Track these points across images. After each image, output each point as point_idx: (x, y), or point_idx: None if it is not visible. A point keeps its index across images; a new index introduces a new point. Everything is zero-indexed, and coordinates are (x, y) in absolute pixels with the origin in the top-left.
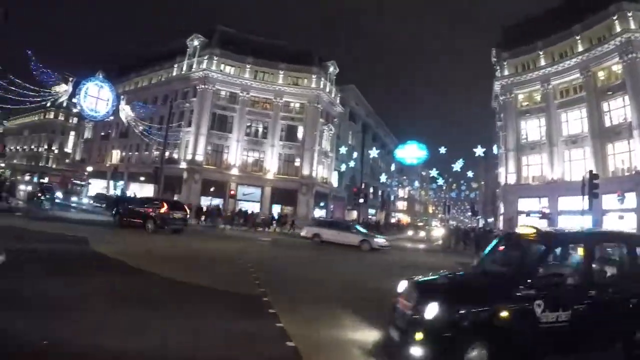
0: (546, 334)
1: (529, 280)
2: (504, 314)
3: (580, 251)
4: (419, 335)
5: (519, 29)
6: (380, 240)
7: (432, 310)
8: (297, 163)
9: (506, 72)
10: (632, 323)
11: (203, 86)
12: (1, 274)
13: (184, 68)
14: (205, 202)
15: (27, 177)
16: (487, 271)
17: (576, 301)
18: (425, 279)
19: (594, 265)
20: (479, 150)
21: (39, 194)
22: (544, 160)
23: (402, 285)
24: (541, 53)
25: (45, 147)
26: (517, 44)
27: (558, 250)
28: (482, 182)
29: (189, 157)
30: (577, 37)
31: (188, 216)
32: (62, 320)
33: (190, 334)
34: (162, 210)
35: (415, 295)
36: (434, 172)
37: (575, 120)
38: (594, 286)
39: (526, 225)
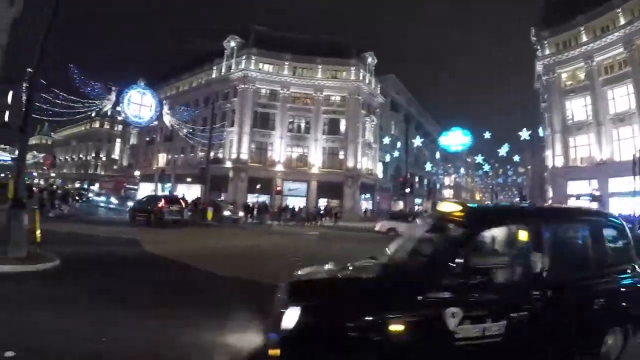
0: (467, 355)
1: (440, 280)
2: (400, 327)
3: (522, 235)
4: (273, 351)
5: (558, 5)
6: None
7: (291, 318)
8: (342, 156)
9: (547, 52)
10: (596, 334)
11: (243, 86)
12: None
13: (223, 70)
14: (252, 199)
15: (77, 185)
16: (400, 265)
17: (514, 307)
18: (310, 272)
19: (541, 255)
20: (525, 134)
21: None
22: (592, 140)
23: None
24: (582, 29)
25: (93, 155)
26: (557, 21)
27: (488, 235)
28: (529, 167)
29: (234, 156)
30: (619, 10)
31: (185, 209)
32: None
33: None
34: (160, 204)
35: (284, 296)
36: (479, 159)
37: (621, 97)
38: (541, 285)
39: (451, 201)
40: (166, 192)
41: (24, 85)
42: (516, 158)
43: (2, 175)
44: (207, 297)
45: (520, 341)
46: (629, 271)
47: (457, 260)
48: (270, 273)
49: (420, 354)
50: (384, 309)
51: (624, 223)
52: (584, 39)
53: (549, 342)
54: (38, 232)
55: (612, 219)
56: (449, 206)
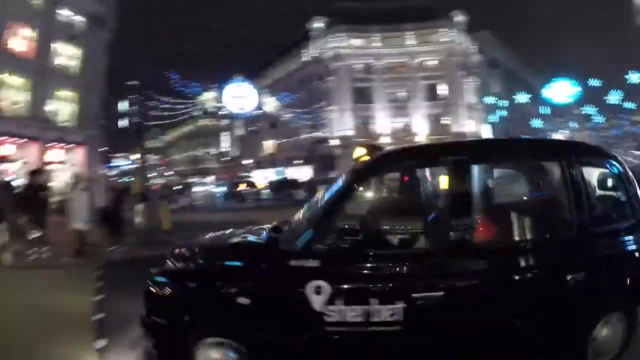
0: (341, 349)
1: (304, 242)
2: (248, 301)
3: (437, 183)
4: (142, 319)
5: None
6: None
7: (153, 285)
8: (446, 121)
9: None
10: (574, 327)
11: (337, 64)
12: None
13: (314, 51)
14: None
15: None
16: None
17: (420, 285)
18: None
19: (468, 209)
20: (635, 77)
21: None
22: None
23: None
24: None
25: (204, 150)
26: None
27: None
28: None
29: (339, 133)
30: None
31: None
32: None
33: None
34: None
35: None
36: (589, 109)
37: None
38: (472, 253)
39: (364, 144)
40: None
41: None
42: (629, 105)
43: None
44: None
45: (428, 335)
46: (630, 230)
47: (326, 220)
48: None
49: (283, 337)
50: (248, 276)
51: (624, 163)
52: None
53: (485, 339)
54: (167, 220)
55: (601, 154)
56: (359, 151)
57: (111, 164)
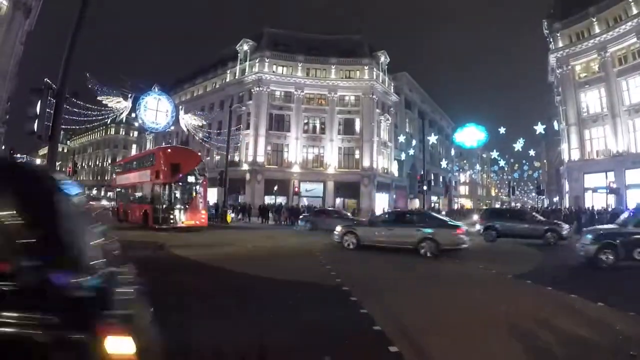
0: None
1: None
2: None
3: None
4: None
5: None
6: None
7: None
8: (357, 155)
9: (560, 44)
10: None
11: (257, 89)
12: None
13: (237, 73)
14: (269, 201)
15: (94, 192)
16: None
17: None
18: None
19: None
20: (540, 128)
21: None
22: (608, 132)
23: None
24: (594, 20)
25: (109, 161)
26: (569, 13)
27: None
28: (545, 161)
29: (250, 158)
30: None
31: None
32: None
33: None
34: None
35: None
36: (494, 154)
37: (636, 88)
38: None
39: None
40: None
41: (48, 95)
42: (531, 152)
43: None
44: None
45: None
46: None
47: None
48: None
49: None
50: None
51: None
52: (597, 30)
53: None
54: None
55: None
56: None
57: None
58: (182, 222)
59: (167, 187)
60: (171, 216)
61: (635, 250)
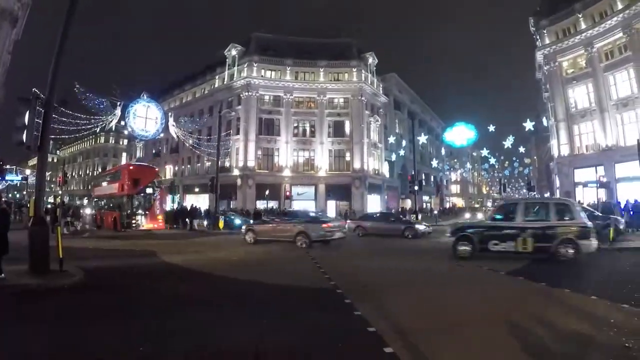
0: None
1: None
2: None
3: None
4: None
5: None
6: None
7: None
8: (348, 157)
9: (547, 41)
10: None
11: (246, 93)
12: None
13: (226, 78)
14: (261, 205)
15: (85, 201)
16: None
17: None
18: None
19: None
20: (529, 125)
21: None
22: (596, 127)
23: None
24: (580, 16)
25: (99, 170)
26: (555, 9)
27: None
28: (535, 157)
29: (241, 163)
30: None
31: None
32: None
33: None
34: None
35: None
36: (484, 152)
37: (623, 82)
38: None
39: None
40: (175, 204)
41: (36, 104)
42: (521, 149)
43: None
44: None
45: None
46: None
47: None
48: None
49: None
50: None
51: None
52: (583, 25)
53: None
54: (60, 248)
55: None
56: None
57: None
58: (143, 226)
59: (130, 197)
60: (133, 221)
61: (490, 242)
